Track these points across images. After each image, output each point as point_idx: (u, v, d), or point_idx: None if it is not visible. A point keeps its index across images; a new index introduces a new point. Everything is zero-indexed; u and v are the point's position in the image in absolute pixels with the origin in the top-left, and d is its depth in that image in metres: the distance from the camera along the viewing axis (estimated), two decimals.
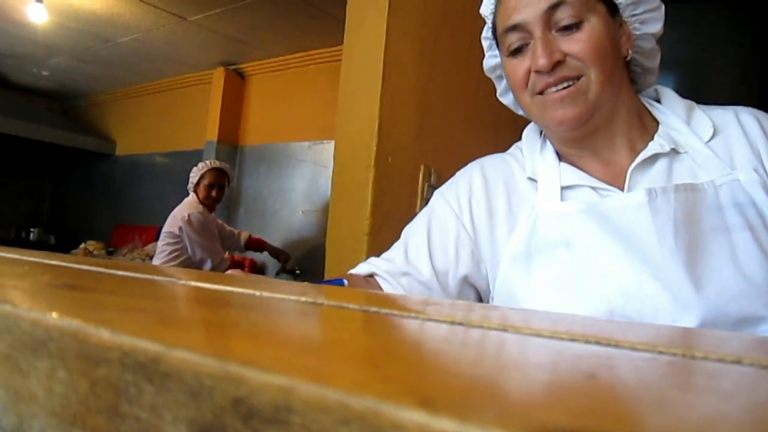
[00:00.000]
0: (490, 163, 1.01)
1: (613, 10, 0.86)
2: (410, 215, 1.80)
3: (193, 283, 0.51)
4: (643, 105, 0.93)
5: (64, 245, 5.38)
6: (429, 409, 0.15)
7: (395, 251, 0.99)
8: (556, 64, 0.82)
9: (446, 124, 1.93)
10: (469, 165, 1.03)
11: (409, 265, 0.94)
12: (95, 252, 5.07)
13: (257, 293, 0.44)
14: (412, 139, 1.79)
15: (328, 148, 4.20)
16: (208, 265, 3.35)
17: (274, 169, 4.73)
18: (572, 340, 0.29)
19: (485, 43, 1.00)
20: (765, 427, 0.16)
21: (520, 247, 0.88)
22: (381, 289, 0.95)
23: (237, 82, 5.03)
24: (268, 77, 4.89)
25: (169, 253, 3.33)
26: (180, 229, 3.30)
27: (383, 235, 1.69)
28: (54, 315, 0.27)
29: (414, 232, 1.00)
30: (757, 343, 0.36)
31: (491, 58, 1.00)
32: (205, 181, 3.46)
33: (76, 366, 0.25)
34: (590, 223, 0.83)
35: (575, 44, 0.82)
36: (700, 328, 0.73)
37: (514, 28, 0.86)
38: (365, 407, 0.16)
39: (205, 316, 0.32)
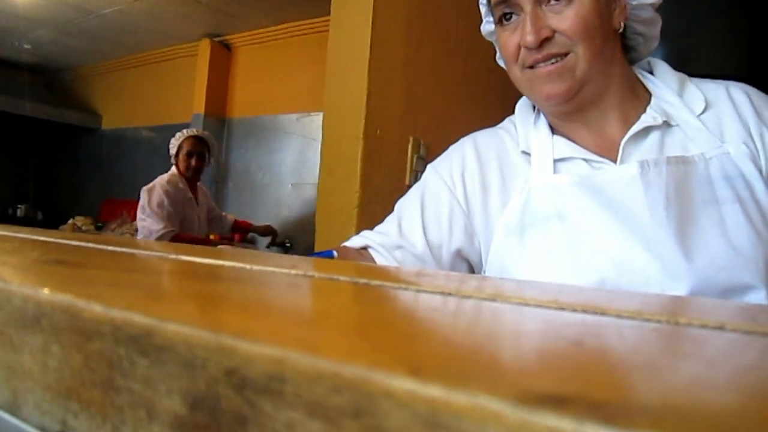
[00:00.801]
0: (483, 137, 1.01)
1: None
2: (400, 188, 1.81)
3: (183, 258, 0.51)
4: (636, 76, 0.92)
5: (52, 221, 5.35)
6: (418, 376, 0.15)
7: (388, 224, 0.99)
8: (544, 41, 0.82)
9: (435, 96, 1.92)
10: (462, 140, 1.03)
11: (402, 238, 0.95)
12: (83, 228, 5.04)
13: (248, 266, 0.44)
14: (401, 111, 1.78)
15: (317, 120, 4.17)
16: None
17: (262, 143, 4.70)
18: (559, 308, 0.30)
19: (482, 9, 1.00)
20: (747, 390, 0.17)
21: (513, 221, 0.89)
22: (374, 262, 0.95)
23: (223, 54, 4.97)
24: (255, 49, 4.83)
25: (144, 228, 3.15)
26: None
27: (373, 207, 1.69)
28: (45, 290, 0.27)
29: (407, 205, 1.00)
30: (739, 310, 0.37)
31: (488, 24, 0.99)
32: (183, 151, 3.28)
33: (69, 340, 0.25)
34: (583, 196, 0.83)
35: (563, 21, 0.81)
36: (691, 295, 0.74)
37: (505, 1, 0.86)
38: (356, 376, 0.16)
39: (196, 290, 0.32)
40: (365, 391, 0.16)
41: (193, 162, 3.26)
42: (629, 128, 0.86)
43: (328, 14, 1.77)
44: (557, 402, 0.13)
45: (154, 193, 3.13)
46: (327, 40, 1.76)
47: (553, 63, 0.83)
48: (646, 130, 0.86)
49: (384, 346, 0.19)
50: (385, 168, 1.74)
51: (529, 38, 0.82)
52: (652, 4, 0.88)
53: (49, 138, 6.41)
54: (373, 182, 1.69)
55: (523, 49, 0.85)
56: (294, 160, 4.51)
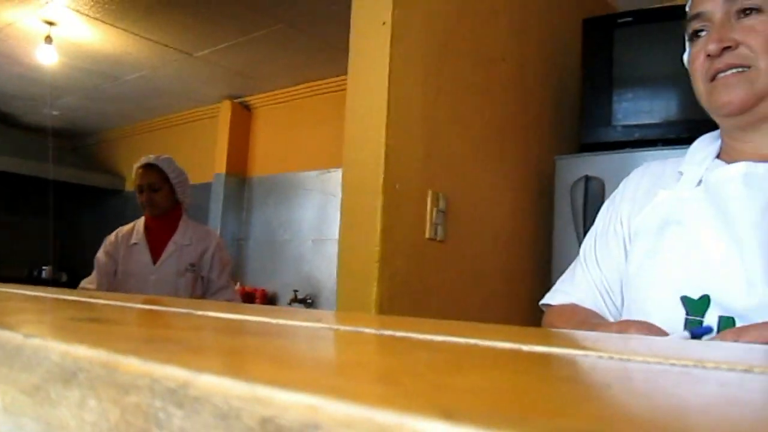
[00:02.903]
0: (651, 164, 1.06)
1: None
2: (420, 241, 1.81)
3: (211, 314, 0.52)
4: None
5: (76, 282, 5.41)
6: (450, 420, 0.16)
7: (577, 274, 1.06)
8: (726, 49, 0.85)
9: (453, 149, 1.94)
10: (636, 169, 1.09)
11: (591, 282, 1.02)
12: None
13: (274, 321, 0.45)
14: (420, 164, 1.80)
15: (336, 176, 4.22)
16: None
17: (282, 200, 4.76)
18: (588, 353, 0.30)
19: (687, 39, 1.04)
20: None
21: (637, 226, 0.95)
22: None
23: (244, 114, 5.09)
24: (275, 109, 4.95)
25: None
26: None
27: (394, 261, 1.69)
28: (83, 346, 0.28)
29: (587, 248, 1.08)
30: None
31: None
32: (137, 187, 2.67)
33: (106, 394, 0.26)
34: (702, 201, 0.86)
35: (749, 33, 0.85)
36: (761, 307, 0.74)
37: (697, 16, 0.90)
38: (389, 421, 0.16)
39: (228, 344, 0.33)
40: None
41: (143, 197, 2.63)
42: None
43: (345, 73, 1.81)
44: None
45: (103, 245, 2.74)
46: (344, 98, 1.80)
47: (733, 72, 0.86)
48: None
49: (415, 392, 0.20)
50: (405, 222, 1.75)
51: (711, 46, 0.86)
52: None
53: (73, 200, 6.54)
54: (393, 236, 1.70)
55: (706, 60, 0.88)
56: (314, 216, 4.55)
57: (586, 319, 0.96)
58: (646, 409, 0.18)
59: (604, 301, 0.99)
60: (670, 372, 0.25)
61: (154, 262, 2.62)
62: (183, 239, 2.66)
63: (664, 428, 0.15)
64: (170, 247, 2.64)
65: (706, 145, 0.97)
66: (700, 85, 0.91)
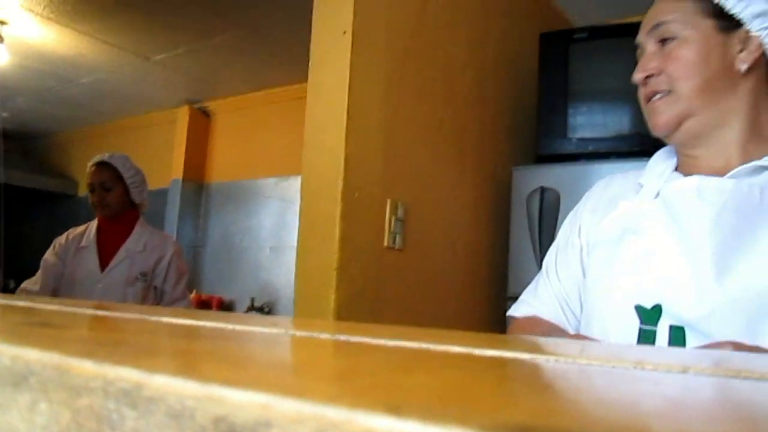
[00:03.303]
0: (613, 176, 1.10)
1: (732, 26, 0.90)
2: (379, 249, 1.82)
3: (165, 319, 0.51)
4: None
5: None
6: (397, 414, 0.16)
7: (540, 287, 1.09)
8: (650, 77, 0.94)
9: (412, 158, 1.96)
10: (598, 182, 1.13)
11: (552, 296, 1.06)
12: None
13: (229, 326, 0.45)
14: (379, 173, 1.81)
15: (295, 184, 4.21)
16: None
17: (241, 207, 4.71)
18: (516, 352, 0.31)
19: None
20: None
21: (596, 236, 0.98)
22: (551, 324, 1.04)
23: (202, 120, 5.03)
24: (234, 115, 4.91)
25: None
26: None
27: (352, 269, 1.70)
28: (34, 349, 0.27)
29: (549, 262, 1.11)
30: (701, 356, 0.38)
31: None
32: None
33: (58, 397, 0.26)
34: (658, 211, 0.90)
35: (667, 60, 0.92)
36: (711, 316, 0.77)
37: (636, 46, 0.99)
38: (339, 417, 0.17)
39: (182, 346, 0.33)
40: (348, 431, 0.17)
41: (94, 196, 2.48)
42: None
43: (305, 80, 1.81)
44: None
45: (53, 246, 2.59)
46: (304, 106, 1.80)
47: (658, 97, 0.93)
48: (761, 169, 0.88)
49: (365, 389, 0.21)
50: (363, 230, 1.75)
51: (636, 76, 0.96)
52: None
53: (24, 205, 6.36)
54: (352, 244, 1.70)
55: (641, 86, 0.96)
56: (273, 223, 4.52)
57: (547, 332, 0.99)
58: (581, 405, 0.19)
59: (565, 314, 1.02)
60: (609, 373, 0.26)
61: (102, 269, 2.43)
62: (136, 245, 2.49)
63: (594, 422, 0.16)
64: (121, 253, 2.46)
65: (664, 158, 1.01)
66: (642, 106, 0.98)
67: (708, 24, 0.91)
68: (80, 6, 3.32)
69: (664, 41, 0.93)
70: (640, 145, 2.05)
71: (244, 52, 3.88)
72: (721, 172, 0.90)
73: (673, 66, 0.91)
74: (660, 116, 0.93)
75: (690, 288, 0.80)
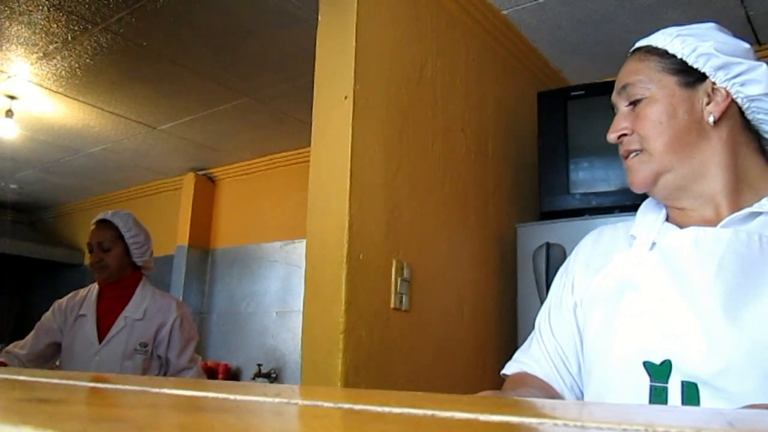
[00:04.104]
0: (603, 229, 1.10)
1: (695, 78, 0.92)
2: (385, 311, 1.81)
3: (166, 391, 0.50)
4: (765, 166, 0.95)
5: None
6: None
7: (534, 345, 1.07)
8: (623, 136, 0.96)
9: (415, 219, 1.97)
10: (588, 235, 1.12)
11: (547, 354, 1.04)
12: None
13: (231, 397, 0.44)
14: (383, 234, 1.82)
15: (300, 247, 4.22)
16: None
17: (246, 271, 4.71)
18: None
19: None
20: None
21: (593, 292, 0.96)
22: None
23: (207, 186, 5.09)
24: (238, 181, 4.96)
25: None
26: None
27: (358, 332, 1.68)
28: (28, 427, 0.27)
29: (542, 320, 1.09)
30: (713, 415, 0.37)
31: None
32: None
33: None
34: (657, 265, 0.88)
35: (637, 120, 0.94)
36: (726, 371, 0.74)
37: (612, 107, 1.01)
38: None
39: (180, 422, 0.32)
40: None
41: (92, 257, 2.31)
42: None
43: (308, 145, 1.84)
44: None
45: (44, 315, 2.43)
46: (307, 169, 1.82)
47: (632, 156, 0.95)
48: (753, 215, 0.87)
49: None
50: (369, 292, 1.74)
51: (609, 135, 0.98)
52: (757, 96, 0.92)
53: (30, 275, 6.38)
54: (358, 307, 1.69)
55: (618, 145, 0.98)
56: (278, 287, 4.50)
57: (533, 389, 0.97)
58: None
59: (558, 371, 1.00)
60: None
61: (101, 340, 2.25)
62: (135, 313, 2.28)
63: None
64: (119, 322, 2.26)
65: (653, 207, 1.01)
66: (623, 165, 0.99)
67: (672, 80, 0.93)
68: (88, 79, 3.40)
69: (633, 103, 0.95)
70: (642, 198, 2.05)
71: (247, 119, 3.95)
72: (713, 222, 0.90)
73: (641, 125, 0.93)
74: (636, 174, 0.95)
75: (700, 342, 0.78)
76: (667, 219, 0.97)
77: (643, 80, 0.94)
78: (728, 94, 0.91)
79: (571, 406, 0.49)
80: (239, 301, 4.69)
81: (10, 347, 2.38)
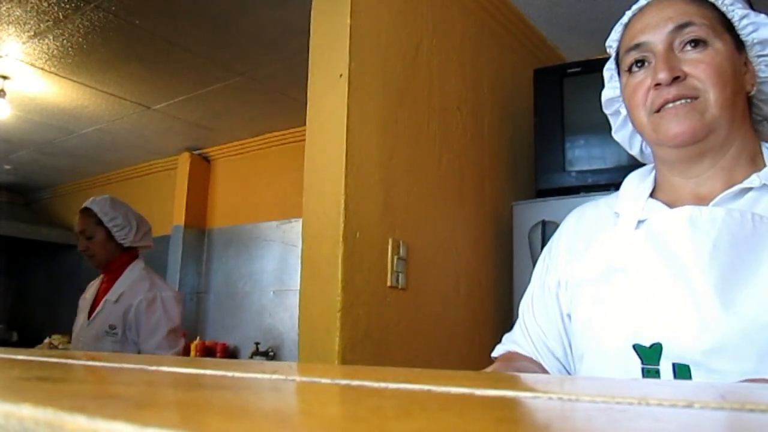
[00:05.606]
0: (585, 207, 1.06)
1: (740, 46, 0.88)
2: (382, 289, 1.81)
3: (165, 369, 0.51)
4: (760, 148, 0.92)
5: (28, 341, 5.22)
6: None
7: (517, 329, 1.07)
8: (676, 79, 0.85)
9: (411, 197, 1.97)
10: (570, 214, 1.09)
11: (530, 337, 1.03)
12: (60, 346, 4.91)
13: (229, 374, 0.45)
14: (379, 213, 1.82)
15: (296, 226, 4.21)
16: None
17: (243, 251, 4.71)
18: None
19: (606, 75, 1.03)
20: None
21: (581, 274, 0.93)
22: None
23: (203, 166, 5.07)
24: (234, 160, 4.95)
25: None
26: None
27: (355, 310, 1.68)
28: (27, 405, 0.27)
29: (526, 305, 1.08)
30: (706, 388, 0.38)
31: (610, 90, 1.02)
32: None
33: None
34: (644, 246, 0.85)
35: (697, 65, 0.85)
36: (720, 351, 0.74)
37: (637, 46, 0.90)
38: None
39: (178, 398, 0.32)
40: None
41: (80, 247, 2.34)
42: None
43: (303, 124, 1.83)
44: None
45: None
46: (303, 148, 1.82)
47: (682, 103, 0.85)
48: (744, 192, 0.84)
49: None
50: (366, 270, 1.75)
51: (662, 75, 0.85)
52: None
53: (25, 256, 6.36)
54: (354, 285, 1.69)
55: (652, 91, 0.87)
56: (275, 267, 4.51)
57: (523, 366, 0.98)
58: None
59: (543, 357, 0.99)
60: (611, 410, 0.26)
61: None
62: (113, 295, 2.26)
63: None
64: (100, 305, 2.26)
65: (638, 182, 0.97)
66: (642, 117, 0.90)
67: (728, 37, 0.87)
68: (80, 58, 3.37)
69: (688, 44, 0.86)
70: None
71: (242, 98, 3.93)
72: (704, 198, 0.87)
73: (706, 71, 0.84)
74: (686, 123, 0.84)
75: (692, 323, 0.76)
76: (652, 194, 0.94)
77: (707, 25, 0.86)
78: (755, 71, 0.89)
79: (566, 381, 0.49)
80: (236, 281, 4.70)
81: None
